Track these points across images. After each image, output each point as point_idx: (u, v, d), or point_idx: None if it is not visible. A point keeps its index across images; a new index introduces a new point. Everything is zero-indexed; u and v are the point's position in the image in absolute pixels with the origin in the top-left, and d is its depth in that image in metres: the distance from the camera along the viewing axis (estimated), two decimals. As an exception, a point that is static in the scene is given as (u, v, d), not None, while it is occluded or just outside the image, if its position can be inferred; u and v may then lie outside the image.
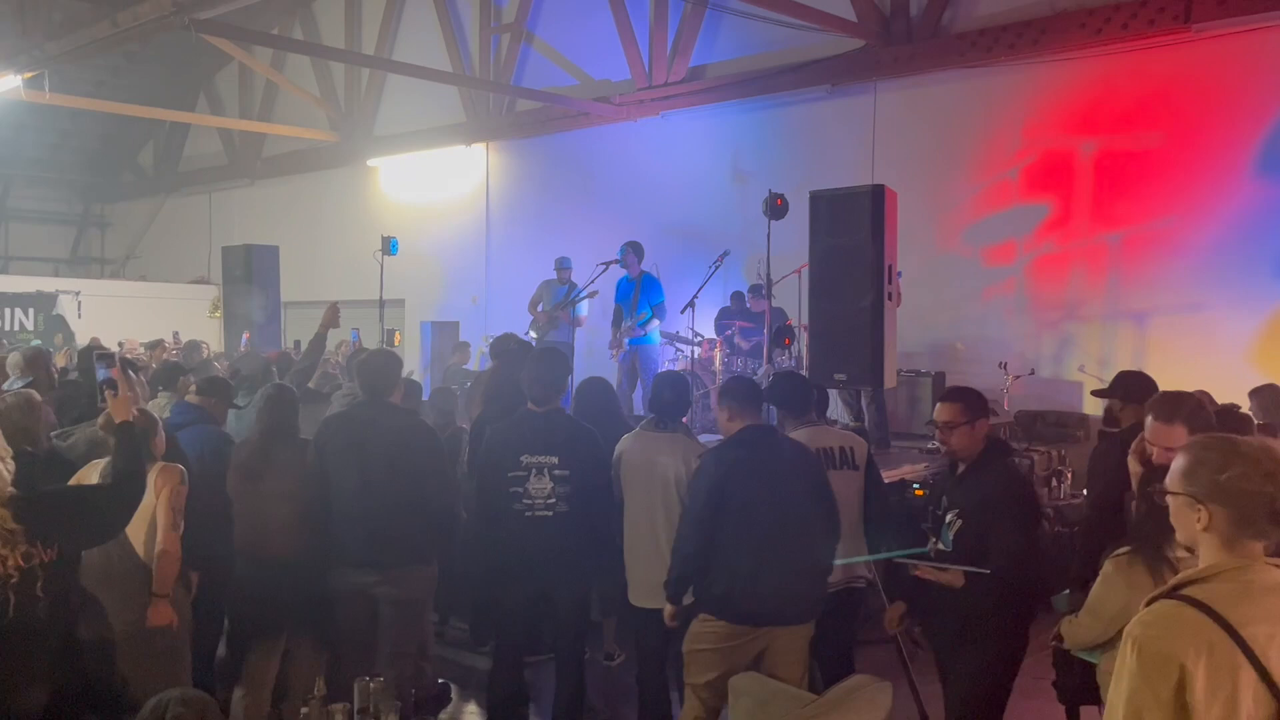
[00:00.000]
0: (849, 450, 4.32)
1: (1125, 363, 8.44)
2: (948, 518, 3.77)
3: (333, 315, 5.91)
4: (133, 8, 8.22)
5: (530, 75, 13.23)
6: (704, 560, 3.86)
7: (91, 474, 3.77)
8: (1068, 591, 4.67)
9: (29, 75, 9.75)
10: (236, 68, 17.04)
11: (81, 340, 13.20)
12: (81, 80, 15.31)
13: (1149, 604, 2.01)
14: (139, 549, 3.81)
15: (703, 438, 5.17)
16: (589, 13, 12.28)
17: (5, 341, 11.40)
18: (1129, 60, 8.59)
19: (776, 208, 7.05)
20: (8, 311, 15.40)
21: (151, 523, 3.81)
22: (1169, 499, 2.07)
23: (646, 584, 4.28)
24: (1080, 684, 4.19)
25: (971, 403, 3.88)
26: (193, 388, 5.20)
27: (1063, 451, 7.70)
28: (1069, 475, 7.43)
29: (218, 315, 17.68)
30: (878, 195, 5.91)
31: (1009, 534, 3.68)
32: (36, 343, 12.34)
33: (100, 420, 3.89)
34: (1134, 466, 3.47)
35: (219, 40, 12.75)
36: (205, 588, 4.33)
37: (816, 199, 6.21)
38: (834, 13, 9.64)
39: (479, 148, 13.88)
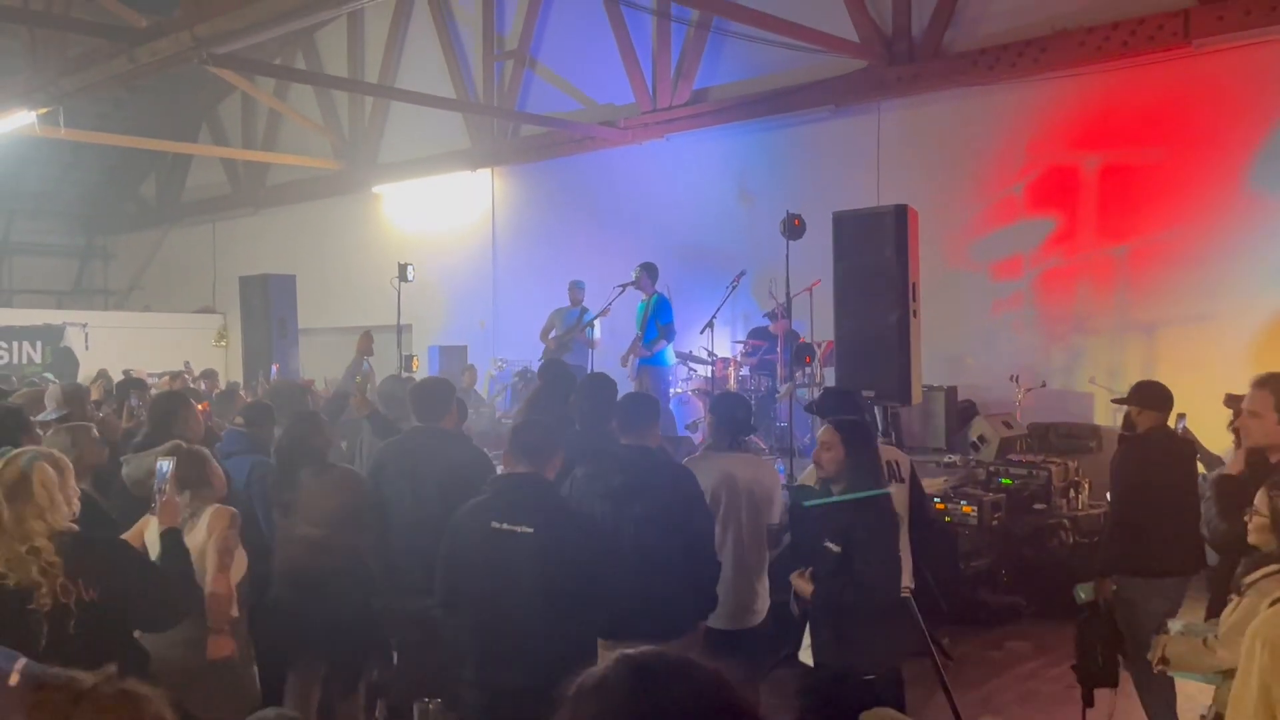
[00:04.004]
0: (895, 464, 4.42)
1: (1135, 373, 8.55)
2: None
3: (367, 343, 6.00)
4: (150, 43, 8.31)
5: (534, 100, 13.38)
6: None
7: (149, 526, 3.83)
8: (1090, 584, 4.81)
9: (43, 111, 9.84)
10: (239, 97, 17.17)
11: (87, 372, 13.25)
12: (85, 113, 15.40)
13: (1273, 604, 2.10)
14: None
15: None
16: (592, 38, 12.45)
17: (15, 378, 11.42)
18: (1130, 76, 8.75)
19: (794, 228, 7.16)
20: (15, 345, 15.43)
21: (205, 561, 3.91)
22: None
23: (729, 606, 4.28)
24: (1098, 670, 4.37)
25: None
26: (238, 419, 5.28)
27: (1077, 463, 7.81)
28: (1086, 486, 7.53)
29: (223, 344, 17.76)
30: (900, 214, 6.04)
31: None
32: (48, 375, 12.42)
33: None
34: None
35: (223, 71, 12.88)
36: (253, 614, 4.39)
37: (840, 219, 6.33)
38: (836, 34, 9.80)
39: (484, 173, 14.01)
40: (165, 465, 3.61)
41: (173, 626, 3.48)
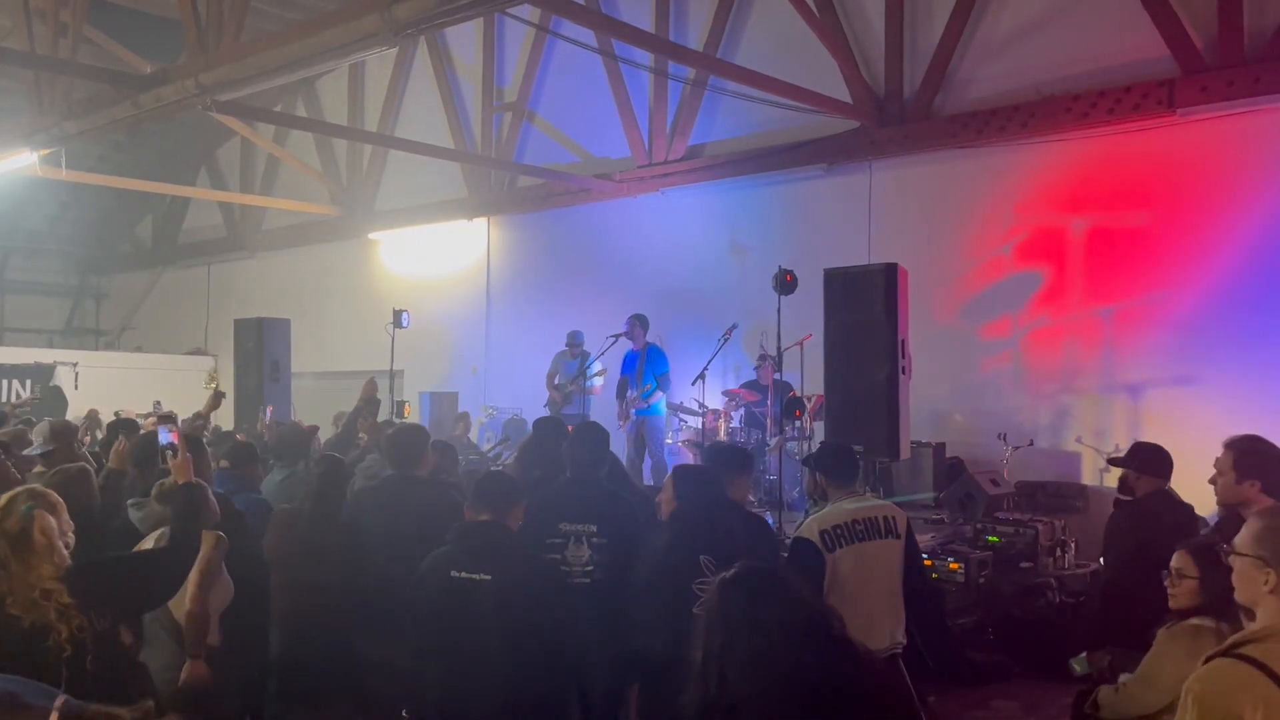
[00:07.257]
0: (891, 520, 4.39)
1: (1121, 434, 8.65)
2: None
3: (371, 390, 6.03)
4: (155, 90, 8.43)
5: (532, 152, 13.57)
6: None
7: (149, 544, 3.87)
8: (1084, 655, 4.79)
9: (45, 152, 9.93)
10: (238, 142, 17.34)
11: (76, 411, 13.20)
12: (84, 154, 15.51)
13: (1206, 661, 2.16)
14: (174, 609, 3.90)
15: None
16: (590, 93, 12.66)
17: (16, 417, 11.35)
18: (1117, 142, 8.93)
19: (786, 283, 7.28)
20: (5, 383, 15.38)
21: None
22: (1234, 559, 2.24)
23: None
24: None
25: None
26: (223, 461, 5.30)
27: (1065, 522, 7.85)
28: (1073, 545, 7.57)
29: (213, 386, 17.72)
30: (890, 273, 6.15)
31: None
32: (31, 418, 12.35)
33: (154, 490, 4.01)
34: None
35: (225, 117, 13.03)
36: (240, 655, 4.37)
37: (831, 276, 6.44)
38: (830, 95, 10.00)
39: (480, 222, 14.15)
40: (164, 434, 3.67)
41: (173, 596, 3.52)
